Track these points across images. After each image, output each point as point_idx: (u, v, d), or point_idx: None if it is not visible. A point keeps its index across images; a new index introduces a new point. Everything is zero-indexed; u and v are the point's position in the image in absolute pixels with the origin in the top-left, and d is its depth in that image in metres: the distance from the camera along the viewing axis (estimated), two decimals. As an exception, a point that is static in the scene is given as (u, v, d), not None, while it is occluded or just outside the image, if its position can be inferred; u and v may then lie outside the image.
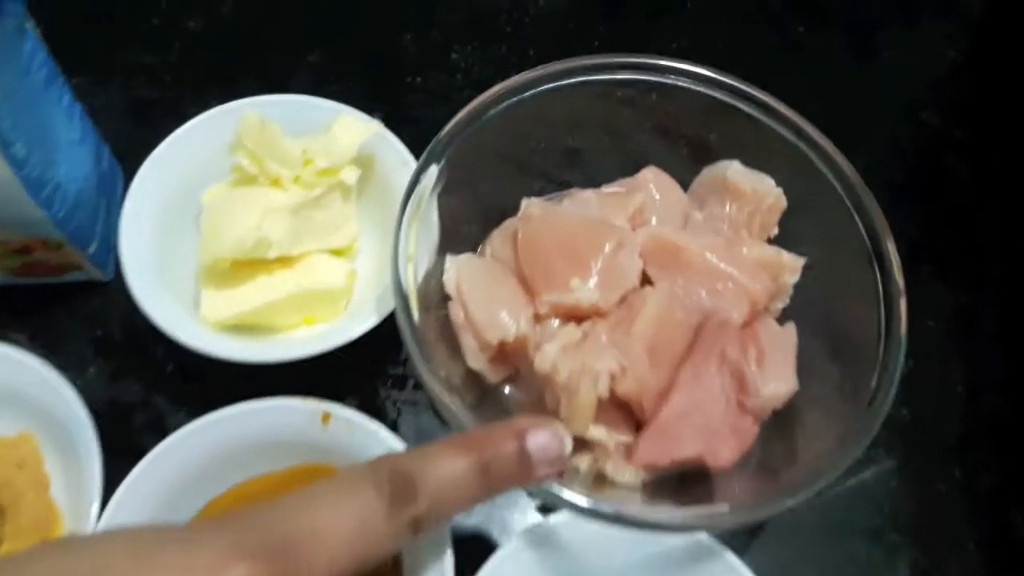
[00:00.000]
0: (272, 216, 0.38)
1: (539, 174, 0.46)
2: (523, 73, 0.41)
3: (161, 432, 0.36)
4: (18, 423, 0.38)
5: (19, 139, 0.34)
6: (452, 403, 0.33)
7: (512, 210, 0.44)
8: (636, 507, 0.32)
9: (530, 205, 0.44)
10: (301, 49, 0.53)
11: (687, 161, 0.45)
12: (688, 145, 0.45)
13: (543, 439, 0.26)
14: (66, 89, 0.40)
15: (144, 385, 0.42)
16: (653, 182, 0.43)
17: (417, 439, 0.42)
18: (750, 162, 0.43)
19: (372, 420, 0.36)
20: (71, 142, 0.40)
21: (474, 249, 0.43)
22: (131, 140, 0.48)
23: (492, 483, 0.25)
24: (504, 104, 0.41)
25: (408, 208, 0.37)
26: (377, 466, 0.23)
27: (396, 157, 0.43)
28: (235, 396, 0.40)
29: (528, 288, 0.38)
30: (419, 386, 0.43)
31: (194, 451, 0.35)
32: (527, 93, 0.41)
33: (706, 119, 0.44)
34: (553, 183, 0.46)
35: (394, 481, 0.23)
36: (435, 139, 0.39)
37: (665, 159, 0.45)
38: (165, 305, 0.37)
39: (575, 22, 0.57)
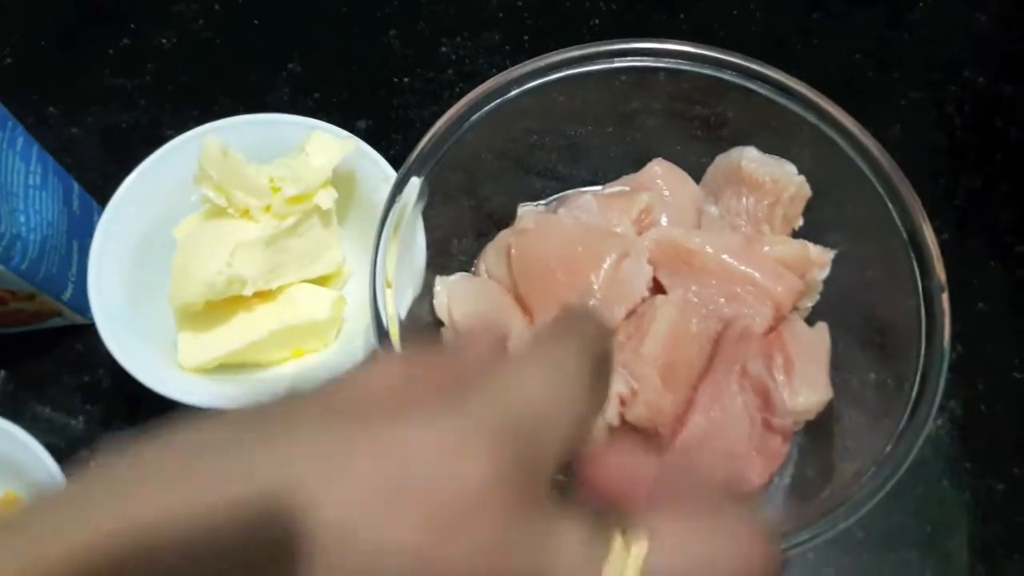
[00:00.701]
0: (244, 251, 0.36)
1: (539, 172, 0.42)
2: (510, 69, 0.38)
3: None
4: (3, 484, 0.36)
5: None
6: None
7: (509, 218, 0.41)
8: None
9: (524, 215, 0.41)
10: (280, 59, 0.50)
11: (702, 146, 0.41)
12: (702, 128, 0.41)
13: None
14: (19, 131, 0.38)
15: (135, 431, 0.40)
16: (661, 176, 0.39)
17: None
18: (771, 146, 0.39)
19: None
20: (30, 187, 0.37)
21: (470, 263, 0.40)
22: (106, 170, 0.46)
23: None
24: (491, 104, 0.37)
25: (386, 228, 0.34)
26: (570, 326, 0.19)
27: (378, 173, 0.39)
28: None
29: (525, 308, 0.35)
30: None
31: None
32: (515, 91, 0.38)
33: (720, 101, 0.40)
34: (555, 180, 0.43)
35: (592, 350, 0.18)
36: (413, 151, 0.35)
37: (676, 146, 0.42)
38: (140, 352, 0.35)
39: (571, 1, 0.53)
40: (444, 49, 0.51)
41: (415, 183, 0.35)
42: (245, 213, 0.36)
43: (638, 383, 0.32)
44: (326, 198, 0.37)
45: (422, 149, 0.36)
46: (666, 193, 0.39)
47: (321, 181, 0.37)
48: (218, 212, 0.37)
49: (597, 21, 0.52)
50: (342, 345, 0.39)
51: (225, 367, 0.37)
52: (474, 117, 0.37)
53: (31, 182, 0.37)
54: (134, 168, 0.46)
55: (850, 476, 0.32)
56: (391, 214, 0.34)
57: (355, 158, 0.39)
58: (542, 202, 0.42)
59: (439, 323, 0.36)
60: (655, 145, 0.42)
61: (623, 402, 0.32)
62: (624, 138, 0.42)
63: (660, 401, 0.32)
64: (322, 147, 0.38)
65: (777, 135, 0.39)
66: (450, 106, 0.43)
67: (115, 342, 0.35)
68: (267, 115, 0.40)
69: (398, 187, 0.35)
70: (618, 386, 0.32)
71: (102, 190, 0.44)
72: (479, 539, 0.15)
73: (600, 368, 0.18)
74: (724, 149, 0.40)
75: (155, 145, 0.47)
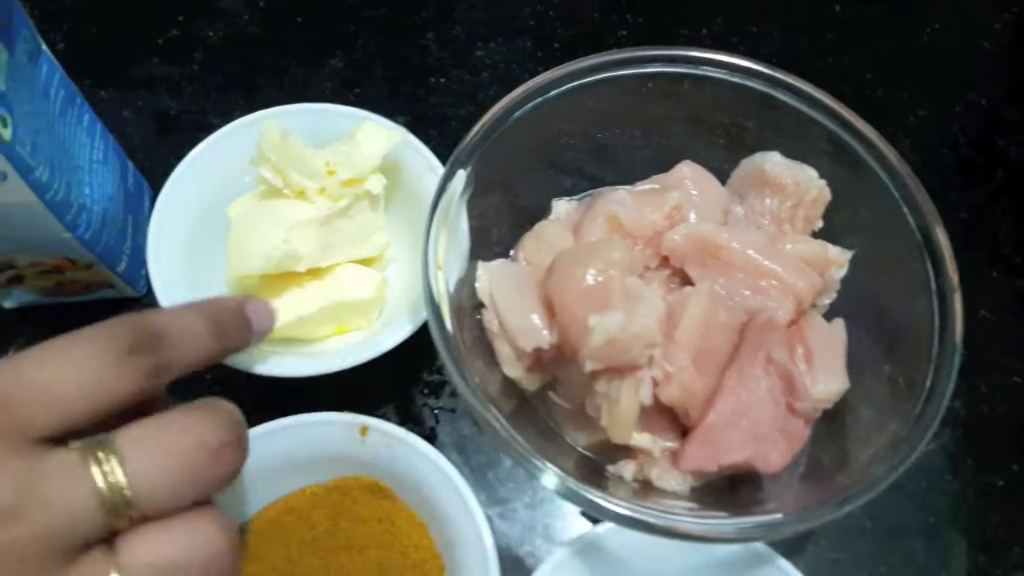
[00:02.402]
0: (299, 229, 0.37)
1: (570, 171, 0.45)
2: (549, 71, 0.40)
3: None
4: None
5: (41, 163, 0.33)
6: (488, 413, 0.33)
7: (543, 210, 0.43)
8: (687, 519, 0.31)
9: (558, 207, 0.43)
10: (322, 55, 0.52)
11: (723, 153, 0.44)
12: (724, 136, 0.44)
13: (260, 308, 0.30)
14: (86, 108, 0.40)
15: (180, 401, 0.41)
16: (689, 177, 0.41)
17: (457, 447, 0.41)
18: (790, 152, 0.41)
19: (409, 432, 0.35)
20: (94, 162, 0.39)
21: (506, 253, 0.42)
22: (156, 153, 0.48)
23: (223, 342, 0.27)
24: (531, 104, 0.40)
25: (436, 215, 0.36)
26: (114, 321, 0.24)
27: (423, 163, 0.42)
28: (273, 409, 0.40)
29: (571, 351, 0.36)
30: (456, 393, 0.42)
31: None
32: (553, 92, 0.40)
33: (742, 109, 0.42)
34: (585, 179, 0.45)
35: (131, 333, 0.23)
36: (461, 144, 0.38)
37: (700, 152, 0.44)
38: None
39: (600, 11, 0.56)
40: (479, 53, 0.53)
41: (462, 175, 0.37)
42: (300, 194, 0.38)
43: (672, 366, 0.34)
44: (376, 183, 0.39)
45: (469, 142, 0.38)
46: (694, 192, 0.41)
47: (372, 167, 0.39)
48: (273, 193, 0.39)
49: (624, 33, 0.55)
50: (383, 324, 0.41)
51: (274, 340, 0.38)
52: (516, 114, 0.39)
53: (95, 157, 0.39)
54: (182, 151, 0.48)
55: (864, 459, 0.35)
56: (441, 202, 0.36)
57: (402, 148, 0.41)
58: (575, 197, 0.44)
59: (480, 305, 0.38)
60: (679, 149, 0.44)
61: (657, 383, 0.34)
62: (650, 142, 0.45)
63: (692, 384, 0.34)
64: (372, 136, 0.40)
65: (796, 141, 0.41)
66: (485, 106, 0.46)
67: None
68: (319, 104, 0.43)
69: (448, 176, 0.37)
70: (653, 370, 0.34)
71: (151, 171, 0.46)
72: None
73: (128, 351, 0.23)
74: (745, 154, 0.42)
75: (202, 131, 0.49)
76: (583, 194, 0.44)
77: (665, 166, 0.44)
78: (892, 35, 0.56)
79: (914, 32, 0.56)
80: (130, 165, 0.44)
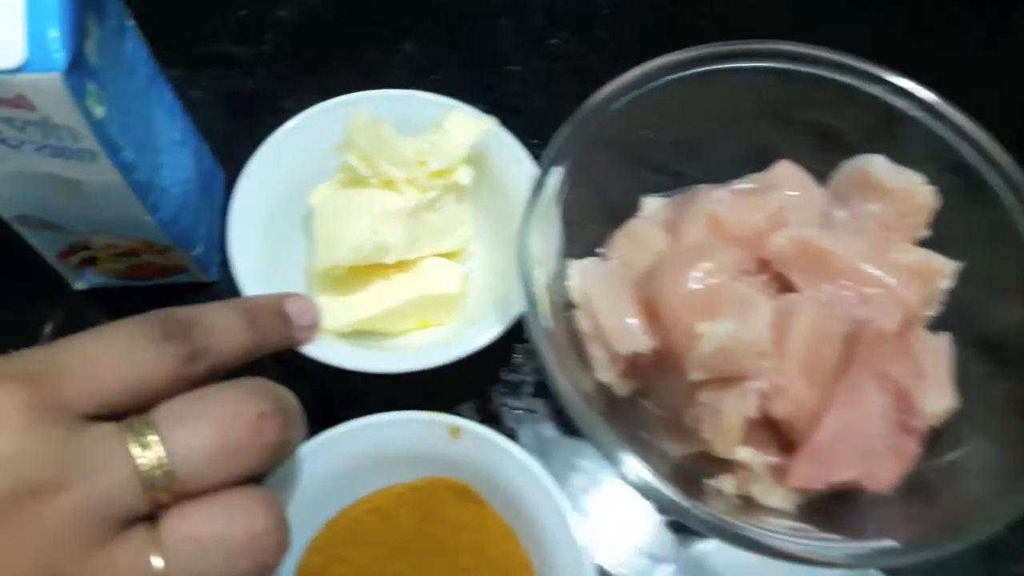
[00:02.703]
0: (388, 220, 0.36)
1: (654, 167, 0.43)
2: (644, 65, 0.39)
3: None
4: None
5: (127, 143, 0.32)
6: (591, 416, 0.31)
7: (630, 206, 0.42)
8: (799, 542, 0.30)
9: (648, 205, 0.42)
10: (396, 39, 0.50)
11: (813, 152, 0.42)
12: (813, 135, 0.42)
13: (300, 303, 0.32)
14: (167, 87, 0.38)
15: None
16: (788, 178, 0.40)
17: (538, 450, 0.40)
18: (888, 154, 0.40)
19: (501, 436, 0.34)
20: (173, 143, 0.38)
21: (592, 251, 0.40)
22: (227, 135, 0.46)
23: (260, 334, 0.28)
24: (625, 98, 0.38)
25: (534, 211, 0.34)
26: (152, 312, 0.25)
27: (509, 154, 0.40)
28: (348, 404, 0.39)
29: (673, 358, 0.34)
30: (537, 393, 0.41)
31: (324, 463, 0.33)
32: (648, 86, 0.38)
33: (835, 107, 0.40)
34: (668, 176, 0.43)
35: (166, 322, 0.24)
36: (556, 138, 0.36)
37: (788, 151, 0.42)
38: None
39: (676, 5, 0.54)
40: (553, 41, 0.51)
41: (559, 171, 0.36)
42: (388, 184, 0.37)
43: (782, 379, 0.33)
44: (465, 174, 0.38)
45: (565, 136, 0.36)
46: (792, 194, 0.39)
47: (461, 158, 0.38)
48: (357, 181, 0.38)
49: (704, 23, 0.53)
50: (466, 320, 0.39)
51: (356, 333, 0.37)
52: (610, 108, 0.38)
53: (174, 138, 0.38)
54: (253, 133, 0.47)
55: (973, 482, 0.33)
56: (539, 197, 0.35)
57: (486, 138, 0.40)
58: (663, 194, 0.42)
59: (570, 305, 0.37)
60: (767, 148, 0.43)
61: (765, 396, 0.33)
62: (735, 139, 0.43)
63: (803, 398, 0.33)
64: (460, 125, 0.38)
65: (897, 143, 0.39)
66: (560, 96, 0.44)
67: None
68: (406, 91, 0.41)
69: (545, 171, 0.35)
70: (761, 381, 0.33)
71: (221, 152, 0.45)
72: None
73: (162, 337, 0.24)
74: (837, 155, 0.41)
75: (274, 113, 0.48)
76: (670, 191, 0.42)
77: (752, 164, 0.42)
78: (987, 34, 0.54)
79: (1006, 31, 0.54)
80: (205, 147, 0.42)
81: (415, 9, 0.52)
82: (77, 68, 0.27)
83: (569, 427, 0.40)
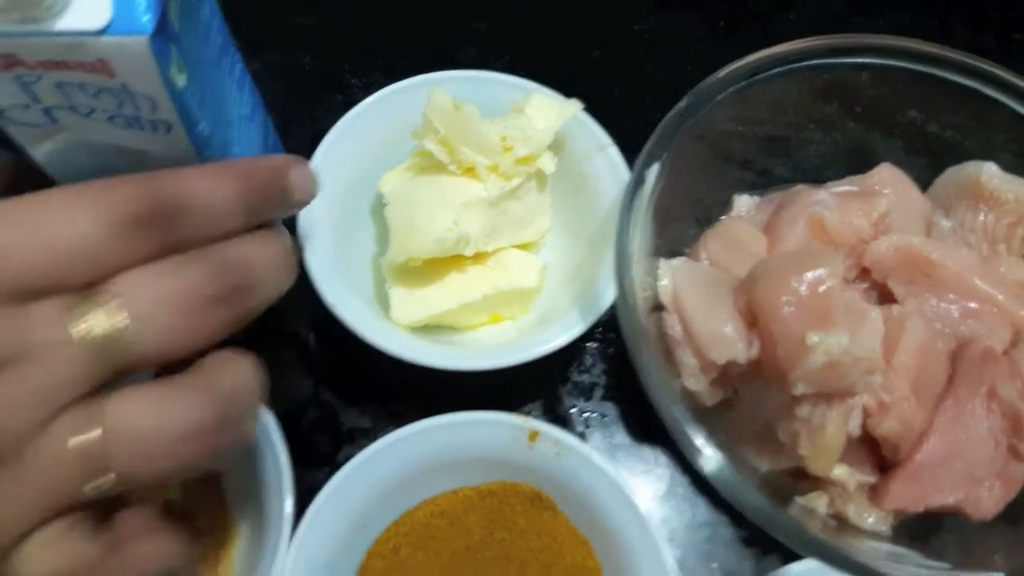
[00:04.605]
0: (470, 210, 0.34)
1: (741, 164, 0.41)
2: (747, 59, 0.36)
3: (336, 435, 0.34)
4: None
5: (204, 116, 0.30)
6: (692, 431, 0.30)
7: (717, 204, 0.40)
8: (900, 568, 0.28)
9: (739, 203, 0.39)
10: (467, 16, 0.48)
11: (907, 156, 0.40)
12: (907, 137, 0.40)
13: (304, 175, 0.27)
14: (237, 59, 0.36)
15: (315, 381, 0.39)
16: (890, 182, 0.37)
17: (609, 455, 0.38)
18: (985, 155, 0.37)
19: (583, 443, 0.32)
20: (242, 118, 0.36)
21: (680, 250, 0.38)
22: (289, 110, 0.44)
23: (251, 216, 0.24)
24: (725, 93, 0.36)
25: (633, 205, 0.32)
26: (128, 180, 0.22)
27: (592, 141, 0.38)
28: (412, 399, 0.37)
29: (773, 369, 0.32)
30: (608, 397, 0.39)
31: (392, 463, 0.32)
32: (749, 80, 0.36)
33: (936, 106, 0.38)
34: (754, 173, 0.41)
35: (153, 203, 0.21)
36: (657, 133, 0.34)
37: (885, 153, 0.40)
38: (351, 303, 0.33)
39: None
40: (636, 27, 0.49)
41: (656, 167, 0.33)
42: (468, 171, 0.35)
43: (889, 396, 0.31)
44: (549, 162, 0.36)
45: (662, 133, 0.34)
46: (894, 199, 0.37)
47: (545, 144, 0.35)
48: (432, 168, 0.36)
49: (792, 16, 0.50)
50: (539, 316, 0.37)
51: (425, 327, 0.35)
52: (713, 101, 0.36)
53: (243, 112, 0.36)
54: (315, 110, 0.45)
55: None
56: (639, 191, 0.33)
57: (568, 124, 0.37)
58: (754, 193, 0.40)
59: (658, 307, 0.35)
60: (864, 149, 0.40)
61: (869, 414, 0.31)
62: (827, 138, 0.41)
63: (911, 417, 0.31)
64: (543, 110, 0.36)
65: (1008, 146, 0.37)
66: (641, 84, 0.42)
67: (330, 293, 0.33)
68: (484, 72, 0.39)
69: (645, 166, 0.33)
70: (864, 398, 0.31)
71: (282, 128, 0.43)
72: None
73: (143, 222, 0.21)
74: (935, 158, 0.39)
75: (337, 90, 0.46)
76: (759, 190, 0.40)
77: (843, 165, 0.40)
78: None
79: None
80: (270, 123, 0.40)
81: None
82: (163, 32, 0.25)
83: (641, 433, 0.39)
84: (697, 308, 0.33)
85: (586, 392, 0.39)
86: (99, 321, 0.20)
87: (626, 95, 0.46)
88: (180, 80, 0.27)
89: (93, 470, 0.20)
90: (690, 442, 0.30)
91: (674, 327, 0.34)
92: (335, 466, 0.36)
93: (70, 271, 0.20)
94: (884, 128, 0.40)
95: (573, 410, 0.39)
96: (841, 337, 0.29)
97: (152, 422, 0.21)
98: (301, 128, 0.44)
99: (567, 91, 0.46)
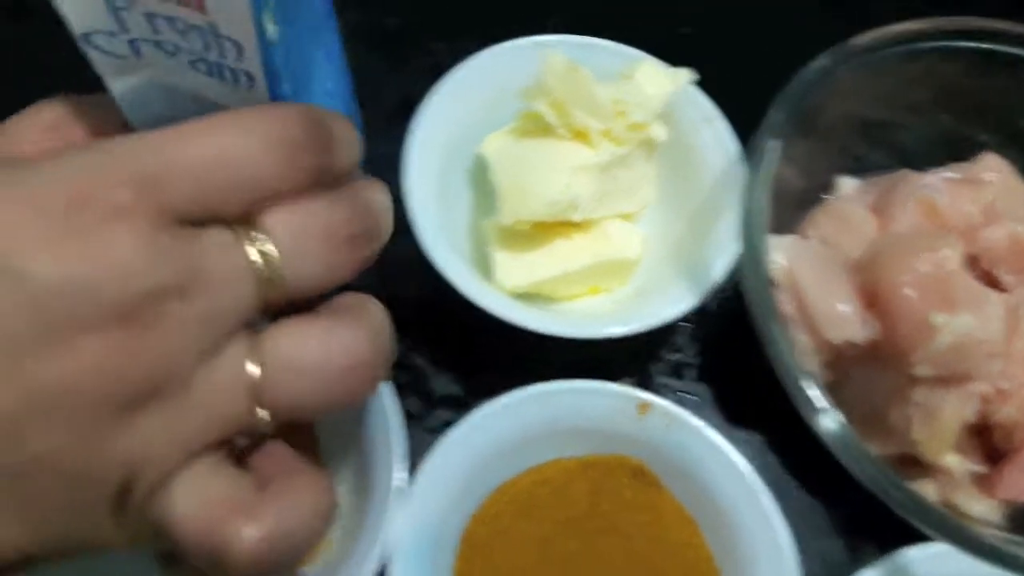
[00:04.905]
0: (581, 175, 0.33)
1: (839, 149, 0.40)
2: (861, 38, 0.36)
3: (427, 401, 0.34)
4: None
5: (287, 77, 0.28)
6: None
7: (820, 188, 0.39)
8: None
9: (843, 185, 0.39)
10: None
11: (1005, 146, 0.39)
12: (1005, 127, 0.39)
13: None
14: (335, 32, 0.34)
15: (406, 345, 0.38)
16: (995, 171, 0.37)
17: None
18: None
19: (694, 416, 0.31)
20: (325, 93, 0.34)
21: (783, 229, 0.37)
22: (371, 72, 0.43)
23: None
24: (836, 72, 0.35)
25: (758, 179, 0.32)
26: (286, 107, 0.22)
27: (698, 112, 0.37)
28: (507, 368, 0.36)
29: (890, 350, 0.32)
30: (701, 378, 0.38)
31: (496, 429, 0.31)
32: (859, 60, 0.36)
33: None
34: (851, 159, 0.40)
35: (309, 125, 0.21)
36: (774, 109, 0.33)
37: (985, 143, 0.39)
38: (455, 265, 0.33)
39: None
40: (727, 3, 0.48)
41: (776, 145, 0.33)
42: (579, 135, 0.34)
43: (1008, 383, 0.30)
44: (660, 130, 0.35)
45: (780, 109, 0.34)
46: (1001, 188, 0.36)
47: (656, 112, 0.35)
48: (539, 131, 0.35)
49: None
50: (635, 287, 0.37)
51: (522, 294, 0.35)
52: (827, 80, 0.35)
53: (327, 87, 0.34)
54: (400, 72, 0.44)
55: None
56: (762, 168, 0.32)
57: (675, 94, 0.37)
58: (854, 177, 0.39)
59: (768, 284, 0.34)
60: (956, 139, 0.40)
61: (987, 400, 0.30)
62: (926, 124, 0.40)
63: (1033, 404, 0.30)
64: (653, 78, 0.35)
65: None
66: (736, 60, 0.41)
67: (439, 256, 0.32)
68: (589, 38, 0.38)
69: (768, 137, 0.33)
70: (982, 384, 0.30)
71: (362, 90, 0.42)
72: (118, 248, 0.18)
73: (301, 144, 0.20)
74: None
75: (422, 53, 0.45)
76: (867, 175, 0.40)
77: (940, 154, 0.39)
78: None
79: None
80: (356, 106, 0.38)
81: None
82: None
83: (734, 417, 0.38)
84: (812, 286, 0.33)
85: (677, 372, 0.39)
86: (265, 250, 0.20)
87: (722, 73, 0.45)
88: (271, 29, 0.25)
89: (260, 401, 0.20)
90: (811, 402, 0.29)
91: (788, 305, 0.33)
92: (426, 431, 0.36)
93: (234, 195, 0.20)
94: (981, 118, 0.39)
95: (664, 389, 0.38)
96: (967, 319, 0.29)
97: (319, 353, 0.20)
98: (382, 89, 0.43)
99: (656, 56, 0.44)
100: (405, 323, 0.38)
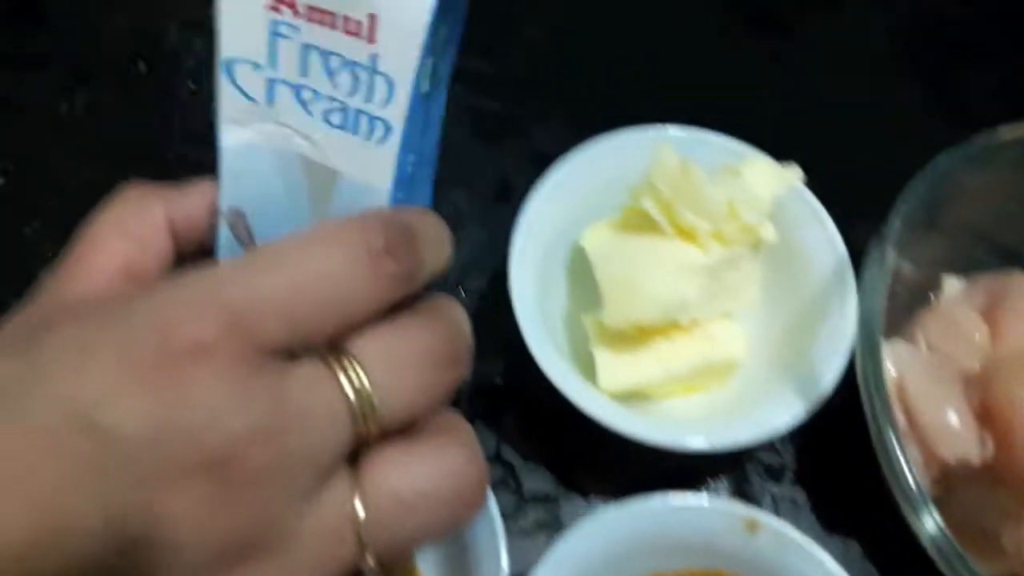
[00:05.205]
0: (689, 276, 0.33)
1: (950, 247, 0.39)
2: (983, 137, 0.35)
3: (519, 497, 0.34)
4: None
5: (414, 148, 0.25)
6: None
7: (928, 285, 0.38)
8: None
9: (949, 285, 0.38)
10: (651, 70, 0.47)
11: None
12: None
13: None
14: (444, 95, 0.30)
15: (498, 438, 0.37)
16: None
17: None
18: None
19: (806, 538, 0.30)
20: (421, 162, 0.32)
21: (892, 331, 0.36)
22: (465, 154, 0.44)
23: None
24: (950, 179, 0.34)
25: (877, 282, 0.31)
26: (368, 216, 0.21)
27: (807, 211, 0.36)
28: (599, 465, 0.37)
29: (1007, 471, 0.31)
30: (798, 481, 0.37)
31: (604, 542, 0.30)
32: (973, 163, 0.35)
33: None
34: (963, 255, 0.39)
35: (389, 230, 0.20)
36: (893, 217, 0.32)
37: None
38: (557, 364, 0.32)
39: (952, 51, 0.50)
40: (821, 86, 0.48)
41: (891, 253, 0.32)
42: (685, 234, 0.34)
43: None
44: (770, 231, 0.34)
45: (902, 217, 0.33)
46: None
47: (766, 211, 0.34)
48: (643, 226, 0.34)
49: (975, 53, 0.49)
50: (735, 388, 0.36)
51: (619, 394, 0.34)
52: (950, 180, 0.34)
53: (425, 156, 0.31)
54: (495, 155, 0.45)
55: None
56: (882, 274, 0.31)
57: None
58: (960, 276, 0.38)
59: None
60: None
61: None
62: None
63: None
64: (763, 175, 0.35)
65: None
66: (826, 147, 0.41)
67: (539, 351, 0.32)
68: (697, 130, 0.38)
69: (890, 239, 0.32)
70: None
71: (460, 173, 0.43)
72: (207, 391, 0.17)
73: (384, 251, 0.19)
74: None
75: (518, 137, 0.46)
76: (972, 273, 0.38)
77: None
78: None
79: None
80: (430, 186, 0.36)
81: (666, 39, 0.49)
82: (439, 10, 0.22)
83: (832, 523, 0.36)
84: (926, 399, 0.32)
85: (776, 474, 0.37)
86: (359, 382, 0.19)
87: (807, 155, 0.45)
88: (425, 84, 0.24)
89: (369, 540, 0.19)
90: (920, 516, 0.28)
91: (897, 417, 0.32)
92: (520, 534, 0.35)
93: (323, 321, 0.19)
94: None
95: (762, 491, 0.37)
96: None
97: (426, 484, 0.20)
98: (486, 173, 0.44)
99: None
100: (496, 414, 0.38)
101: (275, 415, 0.18)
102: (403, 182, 0.25)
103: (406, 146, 0.24)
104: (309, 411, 0.18)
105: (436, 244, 0.22)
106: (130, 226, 0.23)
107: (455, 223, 0.33)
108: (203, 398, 0.17)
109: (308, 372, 0.19)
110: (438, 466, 0.20)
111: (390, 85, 0.23)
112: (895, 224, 0.32)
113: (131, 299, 0.19)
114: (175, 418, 0.17)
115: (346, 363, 0.19)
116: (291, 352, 0.19)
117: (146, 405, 0.17)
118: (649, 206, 0.34)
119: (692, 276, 0.33)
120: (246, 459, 0.17)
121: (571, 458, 0.37)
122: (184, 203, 0.24)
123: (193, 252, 0.25)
